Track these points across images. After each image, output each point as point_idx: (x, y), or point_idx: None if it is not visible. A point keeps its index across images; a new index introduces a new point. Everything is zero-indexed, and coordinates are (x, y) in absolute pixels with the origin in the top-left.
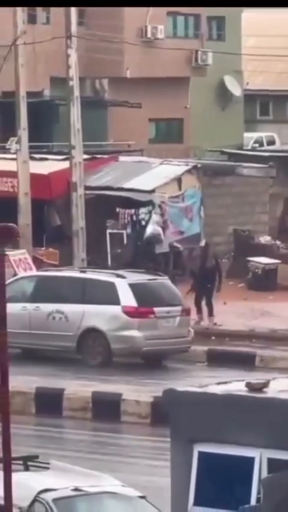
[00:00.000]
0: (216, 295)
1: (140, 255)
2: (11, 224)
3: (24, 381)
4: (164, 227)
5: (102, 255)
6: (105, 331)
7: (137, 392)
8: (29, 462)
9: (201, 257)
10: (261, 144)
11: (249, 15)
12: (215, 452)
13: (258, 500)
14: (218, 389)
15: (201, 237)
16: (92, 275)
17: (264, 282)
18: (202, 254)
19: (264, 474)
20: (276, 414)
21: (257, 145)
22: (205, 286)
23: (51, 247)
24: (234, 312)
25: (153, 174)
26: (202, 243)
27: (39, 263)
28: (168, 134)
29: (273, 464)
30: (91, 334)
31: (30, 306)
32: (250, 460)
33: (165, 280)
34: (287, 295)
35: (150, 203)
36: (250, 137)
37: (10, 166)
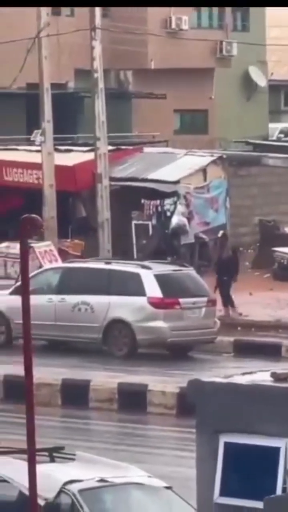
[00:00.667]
0: (235, 286)
1: (165, 246)
2: (35, 216)
3: (50, 372)
4: (190, 218)
5: (127, 246)
6: (131, 322)
7: (163, 383)
8: (55, 454)
9: (219, 248)
10: (286, 135)
11: None
12: (241, 443)
13: (283, 490)
14: (244, 380)
15: (227, 228)
16: (118, 266)
17: None
18: (219, 245)
19: None
20: None
21: (282, 135)
22: (221, 277)
23: (77, 239)
24: (259, 302)
25: (178, 165)
26: (220, 234)
27: (64, 254)
28: (193, 125)
29: None
30: (117, 325)
31: (55, 298)
32: (276, 450)
33: (190, 271)
34: None
35: (175, 194)
36: (275, 127)
37: (35, 158)
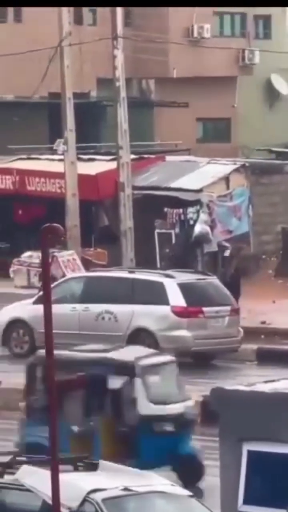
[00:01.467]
0: (258, 294)
1: (189, 254)
2: (56, 225)
3: None
4: (212, 226)
5: (150, 255)
6: (154, 331)
7: (187, 391)
8: (78, 463)
9: (224, 266)
10: None
11: None
12: (264, 451)
13: None
14: (266, 388)
15: (250, 236)
16: (141, 275)
17: None
18: (226, 263)
19: None
20: None
21: None
22: None
23: (100, 248)
24: (283, 310)
25: (201, 174)
26: (227, 253)
27: (87, 263)
28: (216, 134)
29: None
30: (141, 334)
31: (79, 306)
32: None
33: (214, 279)
34: None
35: (198, 202)
36: None
37: (58, 167)
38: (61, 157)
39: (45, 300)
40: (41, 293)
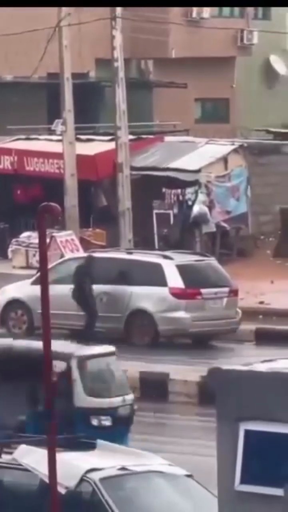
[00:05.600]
0: (257, 275)
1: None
2: (53, 204)
3: None
4: (211, 207)
5: (148, 236)
6: (152, 313)
7: (185, 371)
8: (75, 442)
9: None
10: None
11: None
12: (261, 430)
13: None
14: (264, 367)
15: (248, 216)
16: (139, 256)
17: None
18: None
19: None
20: None
21: None
22: None
23: (98, 228)
24: (281, 290)
25: (199, 154)
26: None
27: (86, 244)
28: (214, 114)
29: None
30: (139, 316)
31: None
32: None
33: (212, 261)
34: None
35: (196, 183)
36: None
37: (56, 147)
38: (60, 137)
39: (42, 278)
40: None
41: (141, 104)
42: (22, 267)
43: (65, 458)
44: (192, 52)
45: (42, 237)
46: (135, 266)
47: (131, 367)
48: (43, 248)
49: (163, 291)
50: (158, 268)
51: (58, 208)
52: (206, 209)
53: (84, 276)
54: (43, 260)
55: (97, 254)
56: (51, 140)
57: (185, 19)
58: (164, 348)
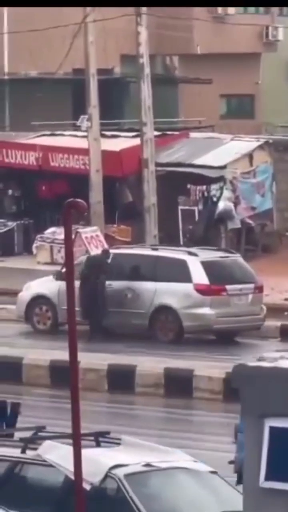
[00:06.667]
0: (282, 271)
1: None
2: (79, 200)
3: (96, 358)
4: (236, 203)
5: (173, 232)
6: (177, 309)
7: (210, 368)
8: (100, 438)
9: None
10: None
11: None
12: (286, 427)
13: None
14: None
15: (273, 213)
16: (164, 252)
17: None
18: None
19: None
20: None
21: None
22: None
23: (123, 224)
24: None
25: (224, 150)
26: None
27: (111, 240)
28: (239, 110)
29: None
30: (163, 312)
31: None
32: None
33: (237, 257)
34: None
35: (221, 179)
36: None
37: (82, 143)
38: (85, 133)
39: (67, 274)
40: (64, 269)
41: (166, 100)
42: (46, 263)
43: (89, 454)
44: (217, 48)
45: (68, 233)
46: (160, 262)
47: (155, 363)
48: (69, 244)
49: (188, 287)
50: (183, 264)
51: (84, 204)
52: (231, 206)
53: (98, 272)
54: (69, 256)
55: (122, 250)
56: (76, 136)
57: (210, 15)
58: (189, 345)
